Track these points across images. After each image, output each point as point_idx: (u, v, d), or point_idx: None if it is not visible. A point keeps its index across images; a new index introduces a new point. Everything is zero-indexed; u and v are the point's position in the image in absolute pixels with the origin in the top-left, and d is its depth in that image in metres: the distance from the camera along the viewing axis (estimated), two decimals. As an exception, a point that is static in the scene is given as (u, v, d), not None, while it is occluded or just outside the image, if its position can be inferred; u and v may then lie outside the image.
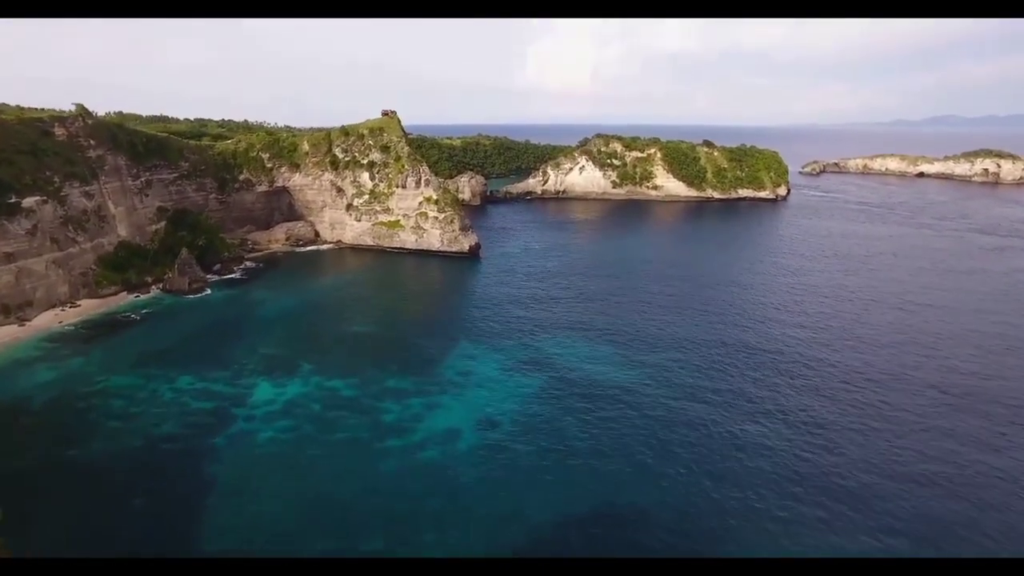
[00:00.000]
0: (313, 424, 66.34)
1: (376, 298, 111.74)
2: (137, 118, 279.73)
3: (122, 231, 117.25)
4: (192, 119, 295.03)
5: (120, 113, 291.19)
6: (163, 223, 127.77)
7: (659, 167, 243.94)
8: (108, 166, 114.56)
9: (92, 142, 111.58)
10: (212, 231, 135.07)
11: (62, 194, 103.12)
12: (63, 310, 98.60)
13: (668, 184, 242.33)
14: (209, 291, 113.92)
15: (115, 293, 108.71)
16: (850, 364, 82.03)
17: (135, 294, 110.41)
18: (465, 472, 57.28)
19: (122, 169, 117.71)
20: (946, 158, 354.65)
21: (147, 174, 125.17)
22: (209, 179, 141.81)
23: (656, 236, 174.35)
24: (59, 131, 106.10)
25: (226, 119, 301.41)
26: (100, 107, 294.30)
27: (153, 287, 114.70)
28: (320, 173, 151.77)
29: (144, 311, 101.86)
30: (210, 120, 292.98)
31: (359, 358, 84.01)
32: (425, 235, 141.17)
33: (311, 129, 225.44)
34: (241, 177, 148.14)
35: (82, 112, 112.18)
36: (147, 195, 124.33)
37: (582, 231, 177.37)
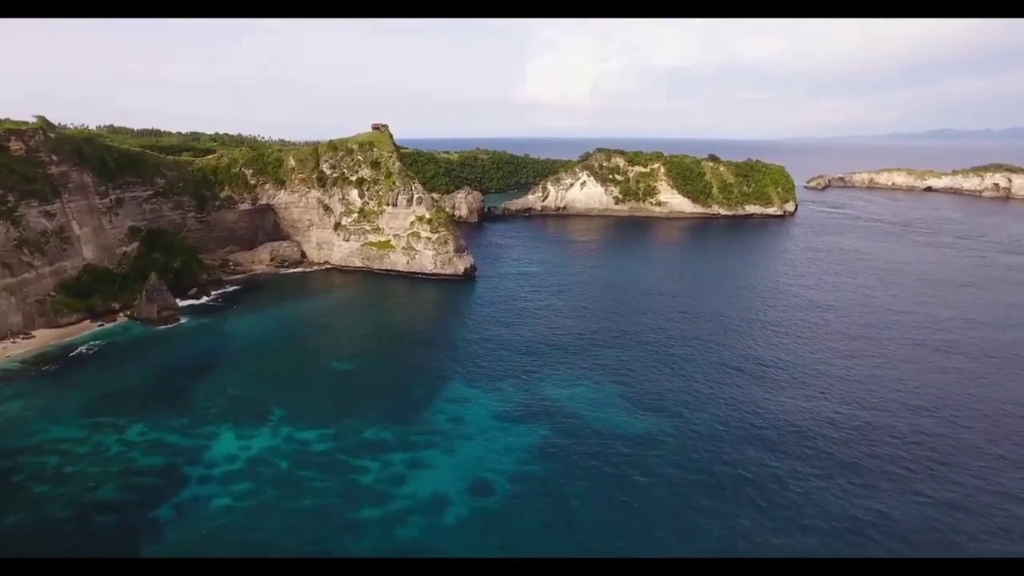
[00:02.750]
0: (278, 488, 56.91)
1: (361, 328, 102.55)
2: (128, 131, 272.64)
3: (88, 254, 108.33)
4: (184, 133, 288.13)
5: (111, 127, 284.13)
6: (136, 244, 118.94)
7: (663, 182, 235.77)
8: (72, 183, 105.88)
9: (54, 157, 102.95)
10: (189, 252, 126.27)
11: (17, 214, 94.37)
12: (14, 342, 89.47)
13: (673, 200, 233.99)
14: (182, 319, 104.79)
15: (76, 322, 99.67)
16: (893, 426, 72.48)
17: (99, 323, 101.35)
18: (452, 556, 47.74)
19: (88, 187, 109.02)
20: (954, 172, 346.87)
21: (118, 192, 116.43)
22: (187, 196, 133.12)
23: (662, 257, 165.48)
24: (15, 145, 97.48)
25: (220, 132, 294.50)
26: (91, 122, 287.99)
27: (121, 314, 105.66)
28: (307, 190, 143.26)
29: (105, 343, 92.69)
30: (203, 134, 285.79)
31: (337, 401, 74.73)
32: (417, 256, 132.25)
33: (306, 143, 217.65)
34: (222, 194, 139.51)
35: (43, 125, 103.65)
36: (117, 214, 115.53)
37: (584, 251, 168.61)
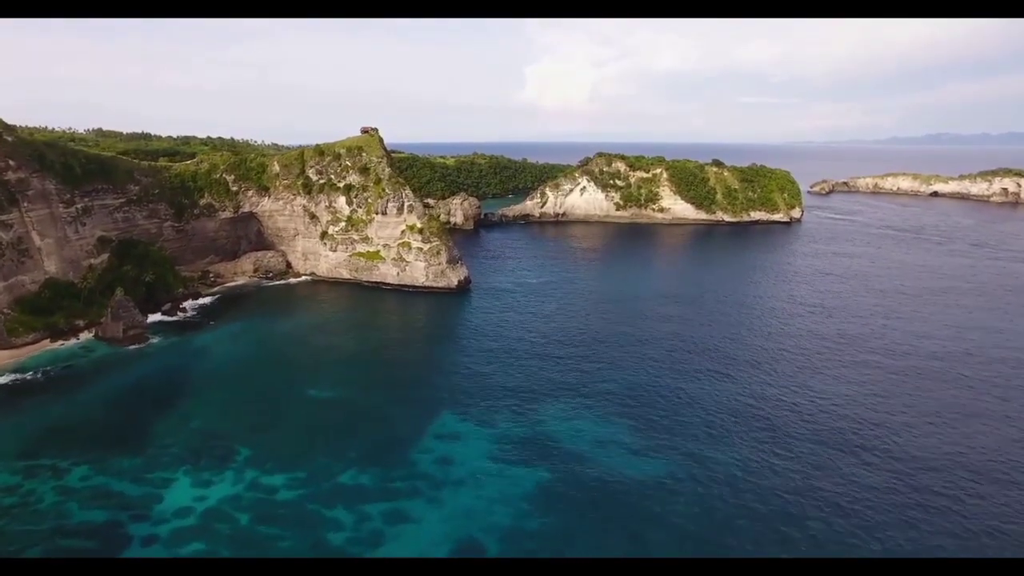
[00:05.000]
0: (234, 549, 48.81)
1: (345, 349, 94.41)
2: (117, 135, 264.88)
3: (50, 267, 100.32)
4: (175, 136, 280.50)
5: (99, 130, 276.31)
6: (105, 256, 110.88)
7: (665, 188, 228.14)
8: (33, 191, 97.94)
9: (11, 163, 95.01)
10: (164, 264, 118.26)
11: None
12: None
13: (675, 206, 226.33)
14: (152, 338, 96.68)
15: (34, 342, 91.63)
16: (937, 484, 64.65)
17: (60, 343, 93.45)
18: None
19: (51, 194, 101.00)
20: (961, 177, 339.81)
21: (85, 200, 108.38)
22: (164, 204, 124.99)
23: (667, 269, 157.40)
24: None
25: (212, 136, 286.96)
26: (83, 126, 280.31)
27: (86, 332, 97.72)
28: (292, 197, 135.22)
29: (63, 366, 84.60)
30: (194, 137, 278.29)
31: (312, 436, 66.69)
32: (408, 268, 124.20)
33: (300, 148, 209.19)
34: (202, 202, 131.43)
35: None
36: (84, 224, 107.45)
37: (584, 261, 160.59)
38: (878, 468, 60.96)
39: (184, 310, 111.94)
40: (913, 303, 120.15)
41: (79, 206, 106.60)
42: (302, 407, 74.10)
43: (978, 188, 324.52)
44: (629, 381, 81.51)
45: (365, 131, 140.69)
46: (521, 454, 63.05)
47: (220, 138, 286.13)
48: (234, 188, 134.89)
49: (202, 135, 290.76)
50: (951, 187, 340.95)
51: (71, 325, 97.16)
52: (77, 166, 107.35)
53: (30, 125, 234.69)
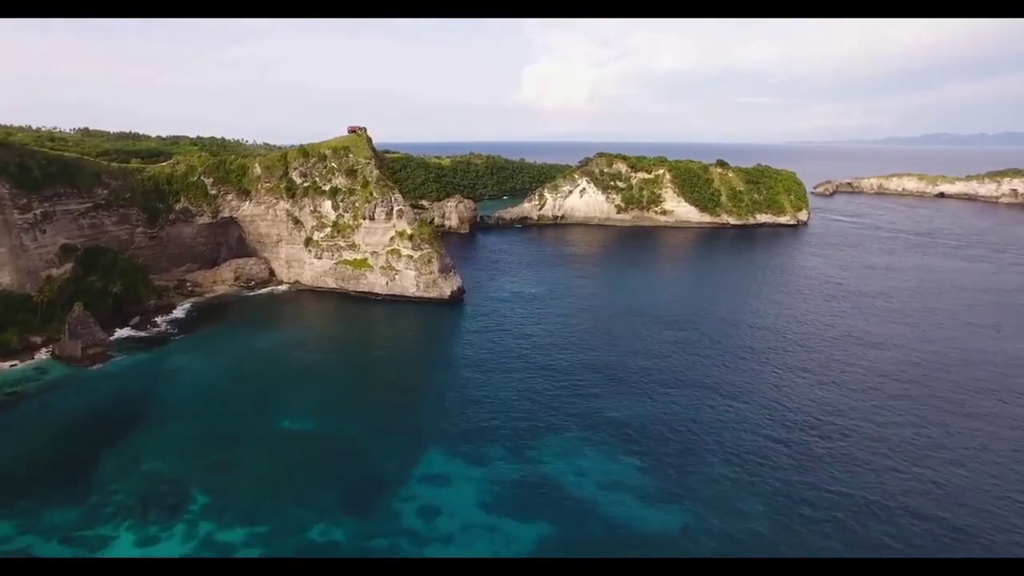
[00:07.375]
0: (172, 633, 40.26)
1: (325, 370, 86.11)
2: (104, 135, 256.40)
3: (3, 278, 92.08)
4: (164, 136, 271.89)
5: (85, 130, 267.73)
6: (69, 265, 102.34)
7: (668, 190, 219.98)
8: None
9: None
10: (135, 273, 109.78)
11: (-98, 236, 77.78)
12: None
13: (679, 209, 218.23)
14: (115, 356, 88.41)
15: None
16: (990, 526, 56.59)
17: (12, 363, 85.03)
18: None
19: (4, 199, 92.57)
20: (968, 178, 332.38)
21: (45, 205, 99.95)
22: (135, 209, 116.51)
23: (672, 277, 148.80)
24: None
25: (204, 136, 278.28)
26: (80, 125, 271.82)
27: (43, 350, 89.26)
28: (275, 201, 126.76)
29: (9, 391, 76.21)
30: (184, 137, 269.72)
31: (281, 479, 58.58)
32: (397, 277, 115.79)
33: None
34: (178, 206, 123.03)
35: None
36: (44, 231, 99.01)
37: (585, 268, 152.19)
38: (924, 536, 52.56)
39: (156, 324, 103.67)
40: (942, 319, 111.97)
41: (38, 212, 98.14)
42: (272, 441, 65.83)
43: (986, 189, 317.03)
44: (636, 411, 73.15)
45: (352, 131, 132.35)
46: (518, 502, 54.83)
47: (212, 138, 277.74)
48: (213, 191, 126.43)
49: (197, 135, 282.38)
50: (958, 188, 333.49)
51: (26, 343, 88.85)
52: (36, 168, 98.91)
53: (15, 124, 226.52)
